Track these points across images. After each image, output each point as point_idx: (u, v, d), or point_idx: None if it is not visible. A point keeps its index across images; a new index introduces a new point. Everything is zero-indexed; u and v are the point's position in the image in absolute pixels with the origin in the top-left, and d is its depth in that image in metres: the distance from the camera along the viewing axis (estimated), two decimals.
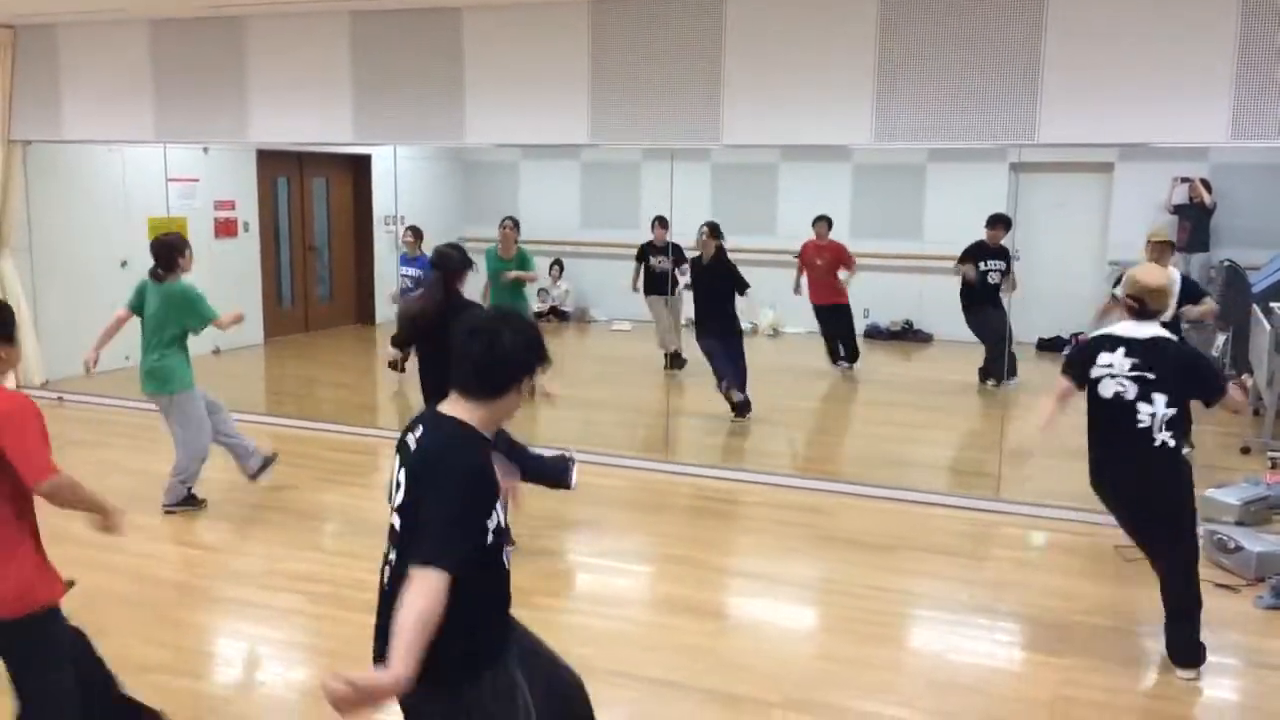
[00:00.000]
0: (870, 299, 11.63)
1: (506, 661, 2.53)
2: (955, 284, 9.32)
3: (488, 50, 6.96)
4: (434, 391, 4.96)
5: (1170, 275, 6.65)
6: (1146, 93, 5.61)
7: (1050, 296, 10.37)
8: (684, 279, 9.27)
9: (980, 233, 9.16)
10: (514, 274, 8.70)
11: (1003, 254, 9.05)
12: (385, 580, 2.44)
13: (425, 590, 2.20)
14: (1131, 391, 4.00)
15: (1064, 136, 5.82)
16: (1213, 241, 10.30)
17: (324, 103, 7.43)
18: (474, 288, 8.42)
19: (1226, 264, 9.52)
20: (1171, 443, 3.98)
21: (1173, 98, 5.58)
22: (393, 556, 2.41)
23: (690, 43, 6.45)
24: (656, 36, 6.52)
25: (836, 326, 10.07)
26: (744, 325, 11.92)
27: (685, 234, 8.69)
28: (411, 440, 2.45)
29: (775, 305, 11.39)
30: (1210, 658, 4.29)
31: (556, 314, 12.91)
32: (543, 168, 13.22)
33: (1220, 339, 9.25)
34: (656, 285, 9.63)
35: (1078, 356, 4.23)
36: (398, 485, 2.42)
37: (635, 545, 5.70)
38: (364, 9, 7.15)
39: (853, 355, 10.11)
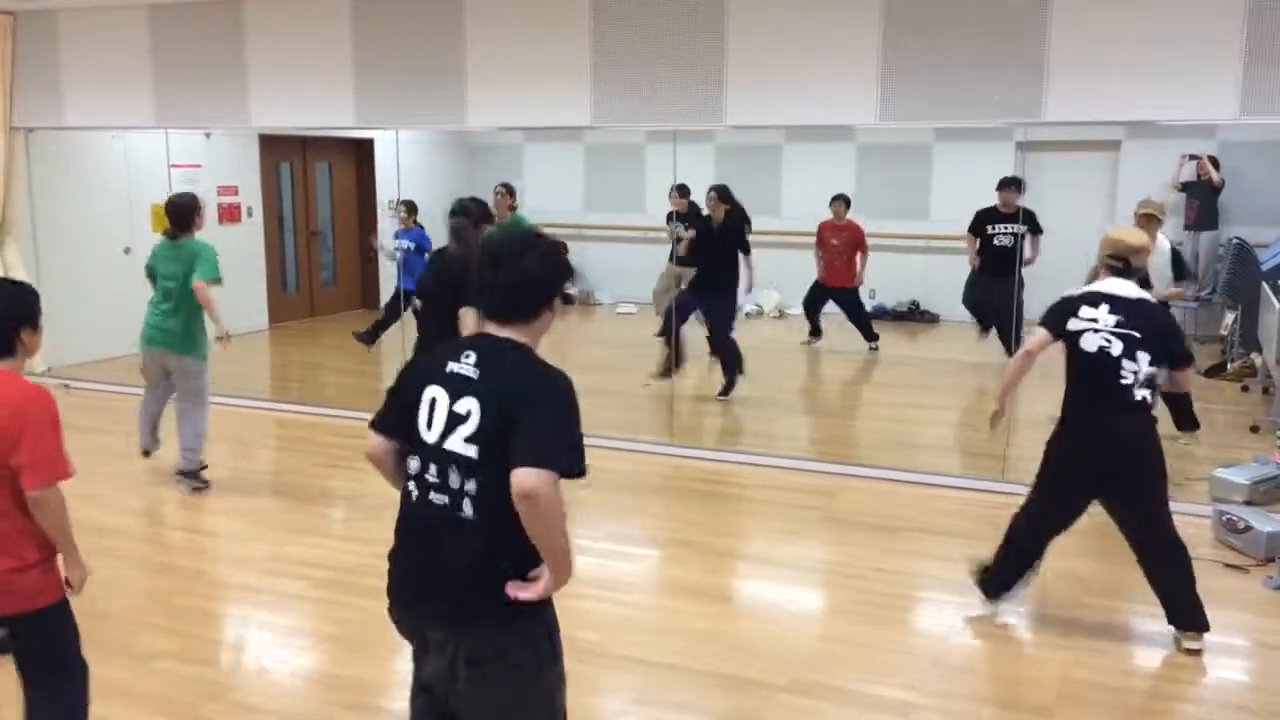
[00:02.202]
0: (876, 280, 11.57)
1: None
2: (962, 264, 9.26)
3: (490, 33, 6.91)
4: (440, 337, 4.94)
5: (1160, 246, 6.70)
6: (1154, 70, 5.55)
7: (1058, 275, 10.28)
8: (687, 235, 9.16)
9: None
10: None
11: (1018, 217, 8.62)
12: (466, 513, 2.35)
13: (550, 485, 2.24)
14: (1117, 348, 4.00)
15: (1070, 115, 5.77)
16: (1221, 219, 10.24)
17: (325, 87, 7.38)
18: None
19: (1235, 242, 9.45)
20: (1149, 398, 4.05)
21: (1181, 75, 5.51)
22: (472, 487, 2.33)
23: (693, 23, 6.40)
24: (659, 17, 6.46)
25: (847, 309, 10.02)
26: (750, 308, 12.00)
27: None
28: (464, 368, 2.38)
29: (780, 287, 11.35)
30: (1219, 638, 4.27)
31: (561, 297, 12.89)
32: (546, 150, 13.17)
33: (1229, 317, 9.21)
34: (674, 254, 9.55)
35: (1058, 308, 4.22)
36: (456, 416, 2.35)
37: (640, 529, 5.69)
38: None
39: (872, 335, 10.07)
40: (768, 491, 6.18)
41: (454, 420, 2.37)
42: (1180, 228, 10.54)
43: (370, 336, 9.77)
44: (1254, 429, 7.18)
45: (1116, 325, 4.02)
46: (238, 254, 10.70)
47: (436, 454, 2.39)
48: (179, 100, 7.87)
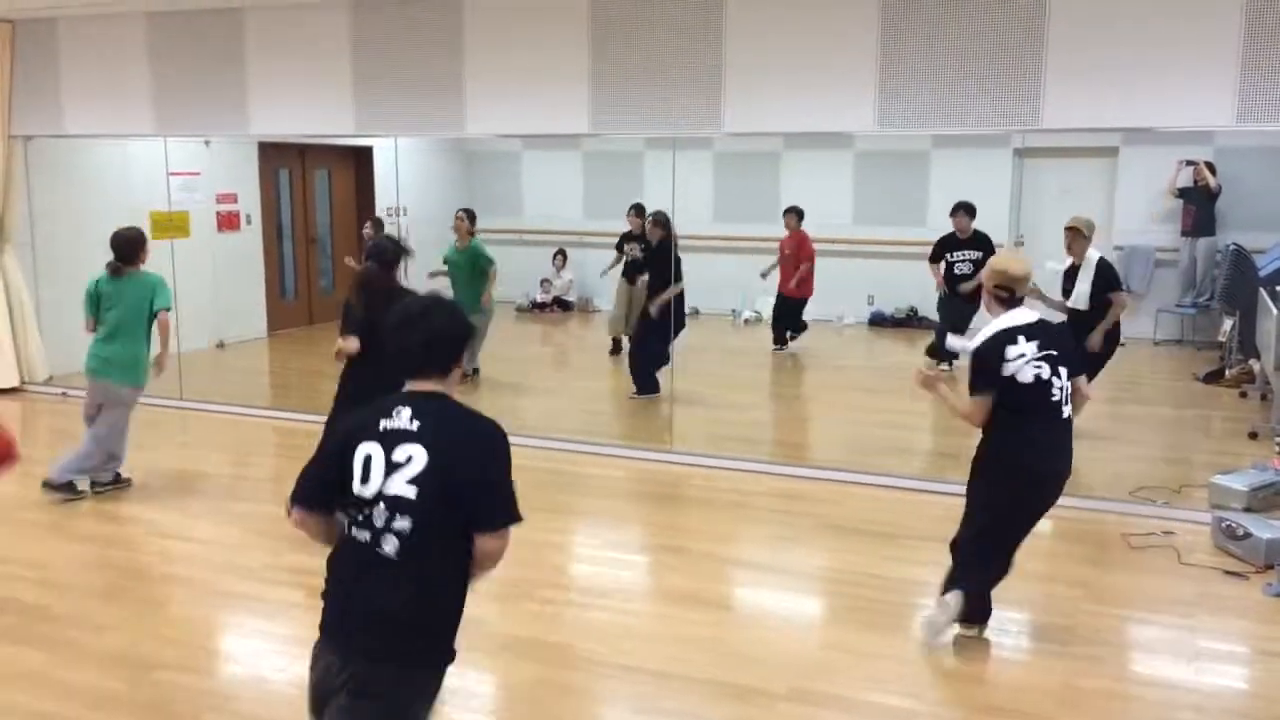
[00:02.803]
0: (874, 286, 11.61)
1: None
2: None
3: (489, 41, 6.92)
4: (365, 380, 5.04)
5: (1087, 259, 6.85)
6: (1151, 77, 5.57)
7: (1057, 281, 10.31)
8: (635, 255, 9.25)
9: (984, 217, 9.07)
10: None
11: (977, 243, 8.76)
12: (387, 551, 2.47)
13: (507, 544, 2.53)
14: (1046, 370, 4.06)
15: (1068, 121, 5.78)
16: (1218, 225, 10.25)
17: (325, 95, 7.39)
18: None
19: (1232, 248, 9.47)
20: (1071, 415, 4.14)
21: (1177, 81, 5.53)
22: (402, 525, 2.46)
23: (691, 31, 6.41)
24: (657, 25, 6.48)
25: (792, 317, 10.23)
26: (748, 314, 12.03)
27: (690, 224, 8.65)
28: (400, 423, 2.52)
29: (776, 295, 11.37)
30: (1219, 645, 4.28)
31: (560, 304, 12.88)
32: (545, 158, 13.19)
33: (1227, 323, 9.21)
34: (628, 274, 9.61)
35: (985, 368, 4.09)
36: (395, 463, 2.48)
37: (638, 536, 5.69)
38: (364, 0, 7.11)
39: (782, 339, 10.29)
40: (765, 498, 6.17)
41: (393, 467, 2.49)
42: (1178, 234, 10.57)
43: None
44: (1252, 435, 7.18)
45: (1040, 349, 4.06)
46: (236, 261, 10.74)
47: (372, 501, 2.50)
48: (178, 108, 7.88)
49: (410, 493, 2.46)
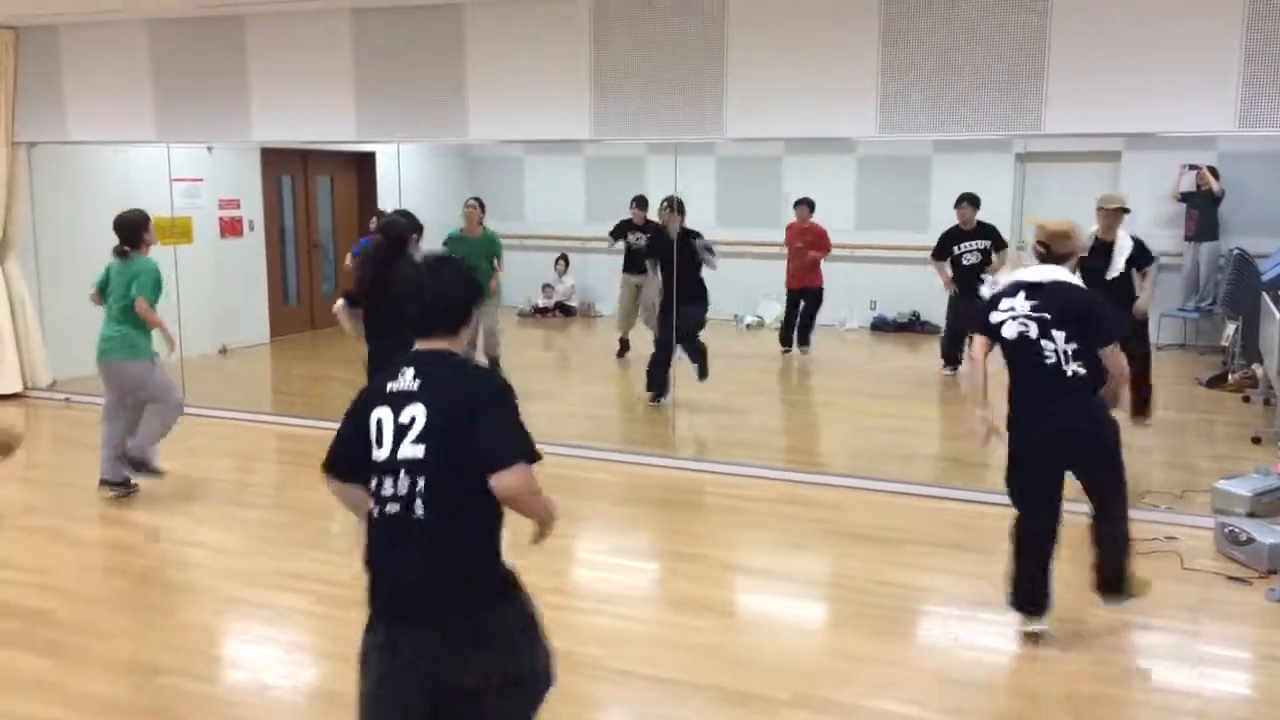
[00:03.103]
0: (877, 291, 11.60)
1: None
2: None
3: (490, 46, 6.93)
4: (383, 352, 5.04)
5: (1119, 237, 6.84)
6: (1153, 82, 5.57)
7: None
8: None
9: (986, 221, 9.07)
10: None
11: (983, 233, 8.84)
12: (417, 514, 2.49)
13: (534, 483, 2.50)
14: (1033, 330, 4.10)
15: (1070, 127, 5.78)
16: (1221, 230, 10.24)
17: (327, 101, 7.41)
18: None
19: (1235, 252, 9.46)
20: (1082, 371, 4.07)
21: (1180, 87, 5.53)
22: (421, 484, 2.48)
23: (692, 36, 6.42)
24: (658, 30, 6.49)
25: (805, 308, 10.15)
26: (750, 319, 12.03)
27: (694, 225, 8.62)
28: (404, 384, 2.55)
29: (779, 298, 11.37)
30: (1222, 651, 4.28)
31: (562, 309, 12.89)
32: (547, 163, 13.20)
33: (1230, 328, 9.21)
34: (634, 263, 9.73)
35: (983, 309, 4.34)
36: (403, 425, 2.51)
37: (641, 542, 5.69)
38: (365, 6, 7.13)
39: (806, 340, 10.22)
40: (768, 504, 6.17)
41: (400, 431, 2.52)
42: (1181, 238, 10.55)
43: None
44: (1256, 440, 7.17)
45: (1032, 309, 4.12)
46: (239, 267, 10.76)
47: (389, 465, 2.53)
48: (181, 114, 7.90)
49: (419, 452, 2.49)
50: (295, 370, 10.81)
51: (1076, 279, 4.29)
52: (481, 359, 8.44)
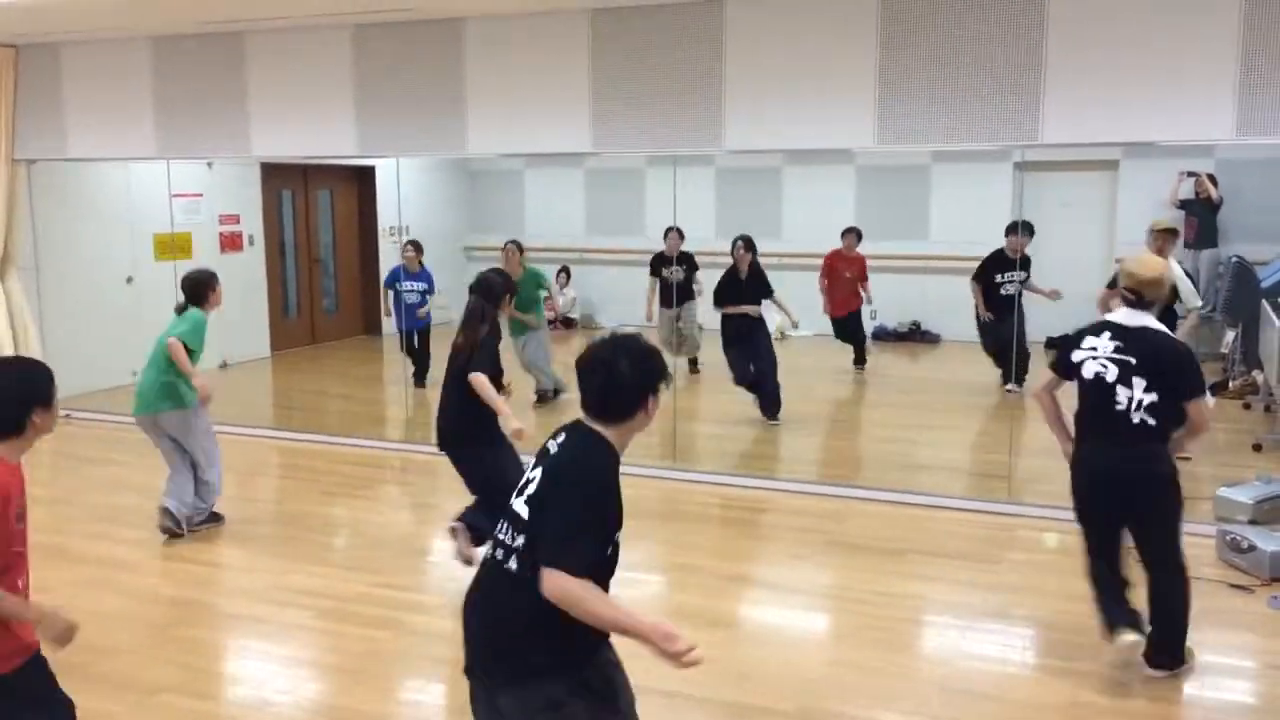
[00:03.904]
0: (877, 300, 11.59)
1: (600, 661, 2.74)
2: (962, 284, 9.26)
3: (490, 60, 6.95)
4: (450, 400, 4.98)
5: (1170, 266, 6.66)
6: (1150, 91, 5.57)
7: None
8: (699, 294, 9.24)
9: (985, 230, 9.03)
10: (523, 317, 8.72)
11: (1025, 264, 8.70)
12: (511, 567, 2.55)
13: (572, 592, 2.43)
14: (1112, 374, 4.00)
15: (1068, 137, 5.78)
16: (1220, 237, 10.24)
17: (327, 116, 7.42)
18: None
19: (1235, 260, 9.46)
20: (1152, 421, 3.95)
21: (1177, 95, 5.54)
22: (519, 543, 2.54)
23: (691, 48, 6.43)
24: (657, 43, 6.50)
25: (851, 329, 10.10)
26: None
27: (691, 240, 8.66)
28: (553, 445, 2.65)
29: (776, 309, 11.37)
30: (1224, 659, 4.27)
31: (563, 322, 12.89)
32: (547, 176, 13.22)
33: (1230, 335, 9.20)
34: (669, 297, 9.40)
35: (1063, 344, 4.25)
36: (529, 481, 2.61)
37: (646, 554, 5.68)
38: (366, 21, 7.15)
39: (862, 359, 10.16)
40: (771, 515, 6.17)
41: (526, 484, 2.62)
42: (1180, 246, 10.55)
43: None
44: (1257, 447, 7.16)
45: (1115, 351, 4.02)
46: (240, 282, 10.75)
47: (508, 512, 2.63)
48: (181, 130, 7.91)
49: (524, 511, 2.55)
50: (295, 384, 10.81)
51: (1162, 325, 4.14)
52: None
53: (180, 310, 5.84)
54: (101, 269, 9.27)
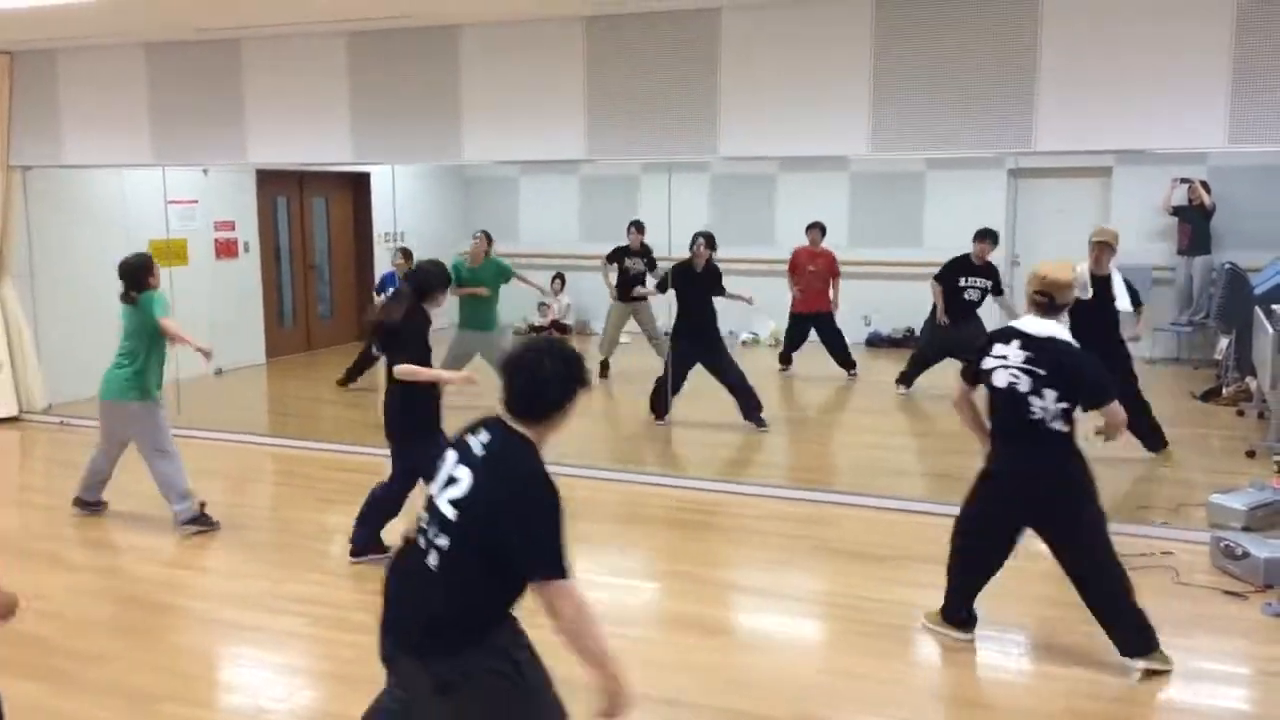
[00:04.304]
0: (871, 307, 11.63)
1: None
2: None
3: (484, 68, 6.97)
4: (392, 393, 5.17)
5: (1114, 276, 6.85)
6: (1143, 99, 5.60)
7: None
8: (651, 285, 9.45)
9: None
10: (469, 290, 8.80)
11: (989, 271, 8.74)
12: (431, 562, 2.62)
13: (572, 603, 2.57)
14: (1024, 384, 4.08)
15: (1062, 144, 5.81)
16: (1213, 244, 10.28)
17: (322, 123, 7.43)
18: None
19: (1228, 267, 9.50)
20: (1065, 430, 4.07)
21: (1169, 103, 5.57)
22: (442, 542, 2.61)
23: (686, 56, 6.46)
24: (652, 51, 6.53)
25: (825, 336, 10.20)
26: (747, 337, 12.06)
27: (686, 246, 8.66)
28: (475, 443, 2.68)
29: (776, 315, 11.40)
30: (1219, 666, 4.28)
31: (558, 327, 12.90)
32: (542, 182, 13.24)
33: (1223, 342, 9.24)
34: (628, 290, 9.83)
35: (976, 353, 4.33)
36: (452, 479, 2.65)
37: (637, 561, 5.69)
38: (361, 29, 7.16)
39: (850, 362, 10.17)
40: (762, 521, 6.17)
41: (449, 481, 2.66)
42: (1173, 252, 10.60)
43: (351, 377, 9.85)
44: (1250, 454, 7.19)
45: (1025, 362, 4.09)
46: (235, 289, 10.77)
47: (430, 504, 2.72)
48: (177, 137, 7.92)
49: (451, 514, 2.62)
50: (291, 391, 10.81)
51: (1068, 333, 4.22)
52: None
53: (128, 299, 5.87)
54: (96, 275, 9.21)
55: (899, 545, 5.70)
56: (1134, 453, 6.94)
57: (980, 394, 4.34)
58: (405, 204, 10.86)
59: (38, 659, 4.39)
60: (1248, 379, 8.54)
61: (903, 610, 4.87)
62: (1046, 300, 4.17)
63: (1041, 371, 4.05)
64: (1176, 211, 10.49)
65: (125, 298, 5.88)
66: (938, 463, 7.59)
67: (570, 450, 7.49)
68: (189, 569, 5.53)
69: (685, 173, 11.44)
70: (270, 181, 11.13)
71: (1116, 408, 4.12)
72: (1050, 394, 4.03)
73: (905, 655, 4.51)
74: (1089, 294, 6.61)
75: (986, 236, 8.72)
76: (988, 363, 4.21)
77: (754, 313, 10.75)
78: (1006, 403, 4.14)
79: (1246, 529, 5.48)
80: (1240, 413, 8.40)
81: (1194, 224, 10.30)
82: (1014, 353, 4.13)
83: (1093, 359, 4.18)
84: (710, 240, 8.40)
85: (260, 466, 7.67)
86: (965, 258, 8.79)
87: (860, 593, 5.06)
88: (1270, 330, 7.35)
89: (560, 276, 12.84)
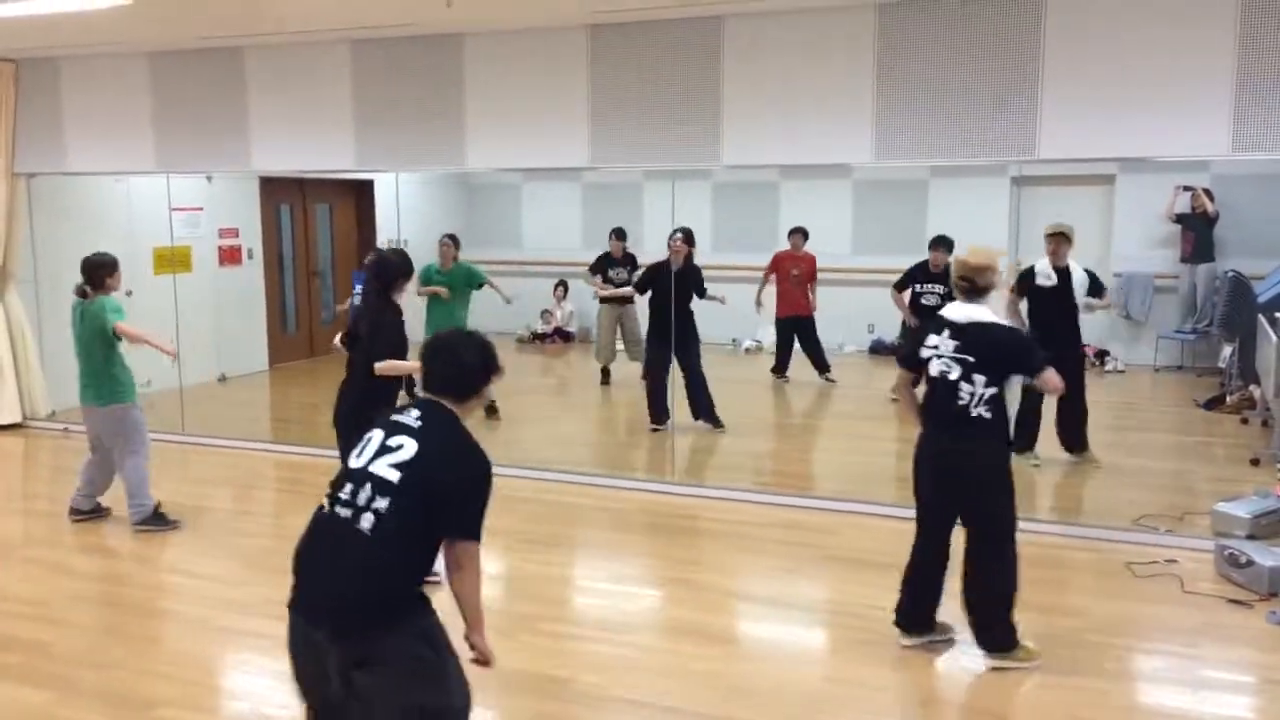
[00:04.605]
0: (874, 315, 11.61)
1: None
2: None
3: (488, 75, 6.98)
4: (353, 387, 5.17)
5: (1072, 268, 6.99)
6: (1146, 106, 5.60)
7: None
8: (624, 276, 9.54)
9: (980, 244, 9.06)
10: (432, 289, 8.72)
11: (945, 278, 8.81)
12: (364, 526, 2.71)
13: (477, 564, 2.83)
14: (955, 372, 4.23)
15: (1065, 152, 5.81)
16: (1217, 252, 10.27)
17: (325, 131, 7.45)
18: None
19: (1231, 274, 9.48)
20: (988, 415, 4.18)
21: (1173, 111, 5.56)
22: (382, 504, 2.72)
23: (689, 64, 6.47)
24: (655, 59, 6.54)
25: (804, 339, 10.19)
26: (749, 344, 12.05)
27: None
28: (407, 419, 2.86)
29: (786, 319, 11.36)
30: (1224, 675, 4.26)
31: (561, 335, 12.91)
32: (545, 190, 13.25)
33: (1227, 350, 9.22)
34: (610, 298, 9.85)
35: (910, 343, 4.54)
36: (388, 447, 2.80)
37: (640, 569, 5.68)
38: (364, 37, 7.18)
39: (825, 365, 10.21)
40: (765, 529, 6.16)
41: (384, 450, 2.80)
42: (1176, 260, 10.59)
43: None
44: (1254, 462, 7.17)
45: (955, 350, 4.24)
46: (238, 295, 10.78)
47: (357, 475, 2.80)
48: (181, 145, 7.94)
49: (393, 476, 2.74)
50: (294, 398, 10.81)
51: (991, 313, 4.32)
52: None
53: (82, 293, 5.94)
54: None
55: (899, 553, 5.63)
56: (1132, 459, 6.92)
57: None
58: (408, 211, 10.84)
59: (44, 667, 4.39)
60: (1251, 387, 8.52)
61: None
62: (968, 284, 4.31)
63: (970, 358, 4.19)
64: (1180, 219, 10.48)
65: (80, 291, 5.91)
66: None
67: (570, 457, 7.51)
68: (192, 576, 5.53)
69: (689, 180, 11.42)
70: (274, 188, 11.15)
71: (1050, 374, 4.24)
72: (979, 379, 4.17)
73: (909, 664, 4.49)
74: (1053, 281, 6.92)
75: (941, 244, 8.75)
76: (924, 352, 4.35)
77: (757, 321, 10.76)
78: (939, 389, 4.29)
79: (1251, 537, 5.46)
80: (1244, 420, 8.38)
81: (1197, 232, 10.28)
82: (944, 342, 4.27)
83: (1016, 332, 4.39)
84: (689, 236, 8.32)
85: (262, 473, 7.67)
86: (924, 264, 8.87)
87: (861, 601, 5.05)
88: (1274, 338, 7.33)
89: (563, 284, 12.84)
